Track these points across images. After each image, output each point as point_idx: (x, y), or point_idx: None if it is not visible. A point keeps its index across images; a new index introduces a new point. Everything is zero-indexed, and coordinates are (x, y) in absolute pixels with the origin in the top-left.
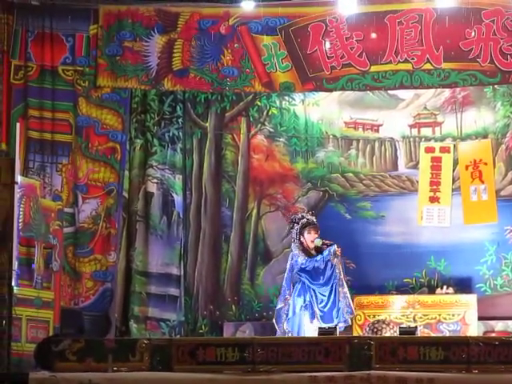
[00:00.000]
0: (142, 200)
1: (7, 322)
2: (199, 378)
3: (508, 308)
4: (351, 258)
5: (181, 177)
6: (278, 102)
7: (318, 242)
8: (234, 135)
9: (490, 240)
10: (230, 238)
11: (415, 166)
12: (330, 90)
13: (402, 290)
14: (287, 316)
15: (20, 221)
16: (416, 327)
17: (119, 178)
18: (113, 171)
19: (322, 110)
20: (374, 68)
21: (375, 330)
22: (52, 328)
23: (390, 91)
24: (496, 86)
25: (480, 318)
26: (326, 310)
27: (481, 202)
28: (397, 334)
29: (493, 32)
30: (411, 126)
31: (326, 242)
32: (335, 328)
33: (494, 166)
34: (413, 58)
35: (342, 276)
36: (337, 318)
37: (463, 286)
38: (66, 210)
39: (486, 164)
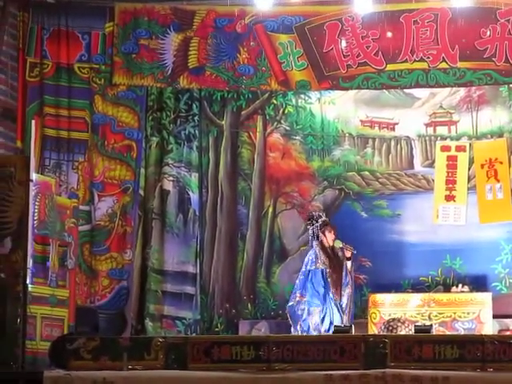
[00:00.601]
0: (158, 198)
1: (22, 320)
2: (214, 376)
3: None
4: (367, 256)
5: (197, 175)
6: (294, 101)
7: (338, 243)
8: (250, 133)
9: (505, 238)
10: (246, 236)
11: (431, 165)
12: (346, 89)
13: (418, 288)
14: (302, 316)
15: (35, 218)
16: (431, 325)
17: (135, 176)
18: (129, 169)
19: (338, 108)
20: (389, 67)
21: (390, 328)
22: (67, 326)
23: (405, 90)
24: (511, 85)
25: (495, 317)
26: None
27: (496, 200)
28: (412, 332)
29: (508, 31)
30: (427, 125)
31: (347, 246)
32: (351, 326)
33: (510, 165)
34: (428, 57)
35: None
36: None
37: (479, 284)
38: (83, 207)
39: (501, 163)
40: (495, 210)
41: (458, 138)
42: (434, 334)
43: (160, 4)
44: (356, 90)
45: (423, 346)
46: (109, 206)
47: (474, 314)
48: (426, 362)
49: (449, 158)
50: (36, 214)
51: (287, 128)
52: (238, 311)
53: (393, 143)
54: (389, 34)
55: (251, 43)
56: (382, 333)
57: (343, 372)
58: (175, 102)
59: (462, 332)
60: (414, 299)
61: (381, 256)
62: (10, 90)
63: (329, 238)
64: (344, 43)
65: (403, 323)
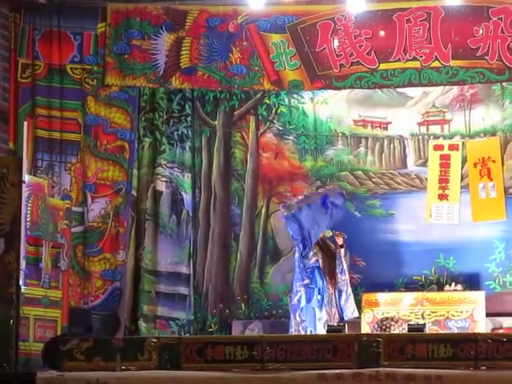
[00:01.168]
0: (151, 199)
1: (15, 321)
2: (208, 376)
3: None
4: (360, 255)
5: (190, 175)
6: (286, 100)
7: (328, 232)
8: (243, 133)
9: (498, 237)
10: (240, 237)
11: (424, 164)
12: (339, 88)
13: (411, 287)
14: (300, 304)
15: (28, 220)
16: (424, 324)
17: (128, 177)
18: (121, 170)
19: (330, 108)
20: (382, 66)
21: (384, 327)
22: (60, 327)
23: (398, 89)
24: (504, 84)
25: (488, 315)
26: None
27: (489, 199)
28: (405, 331)
29: (501, 30)
30: (420, 124)
31: (337, 232)
32: (344, 325)
33: (503, 164)
34: (421, 56)
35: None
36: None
37: (472, 283)
38: (75, 209)
39: (494, 161)
40: (488, 208)
41: (450, 137)
42: (428, 332)
43: (152, 4)
44: (349, 89)
45: (416, 345)
46: (102, 207)
47: (467, 313)
48: (420, 360)
49: (442, 156)
50: (29, 216)
51: (280, 128)
52: (232, 311)
53: (386, 142)
54: (381, 33)
55: (244, 43)
56: (375, 332)
57: (336, 371)
58: (168, 102)
59: (456, 331)
60: (408, 298)
61: (374, 255)
62: (1, 91)
63: None
64: (337, 42)
65: (396, 322)
